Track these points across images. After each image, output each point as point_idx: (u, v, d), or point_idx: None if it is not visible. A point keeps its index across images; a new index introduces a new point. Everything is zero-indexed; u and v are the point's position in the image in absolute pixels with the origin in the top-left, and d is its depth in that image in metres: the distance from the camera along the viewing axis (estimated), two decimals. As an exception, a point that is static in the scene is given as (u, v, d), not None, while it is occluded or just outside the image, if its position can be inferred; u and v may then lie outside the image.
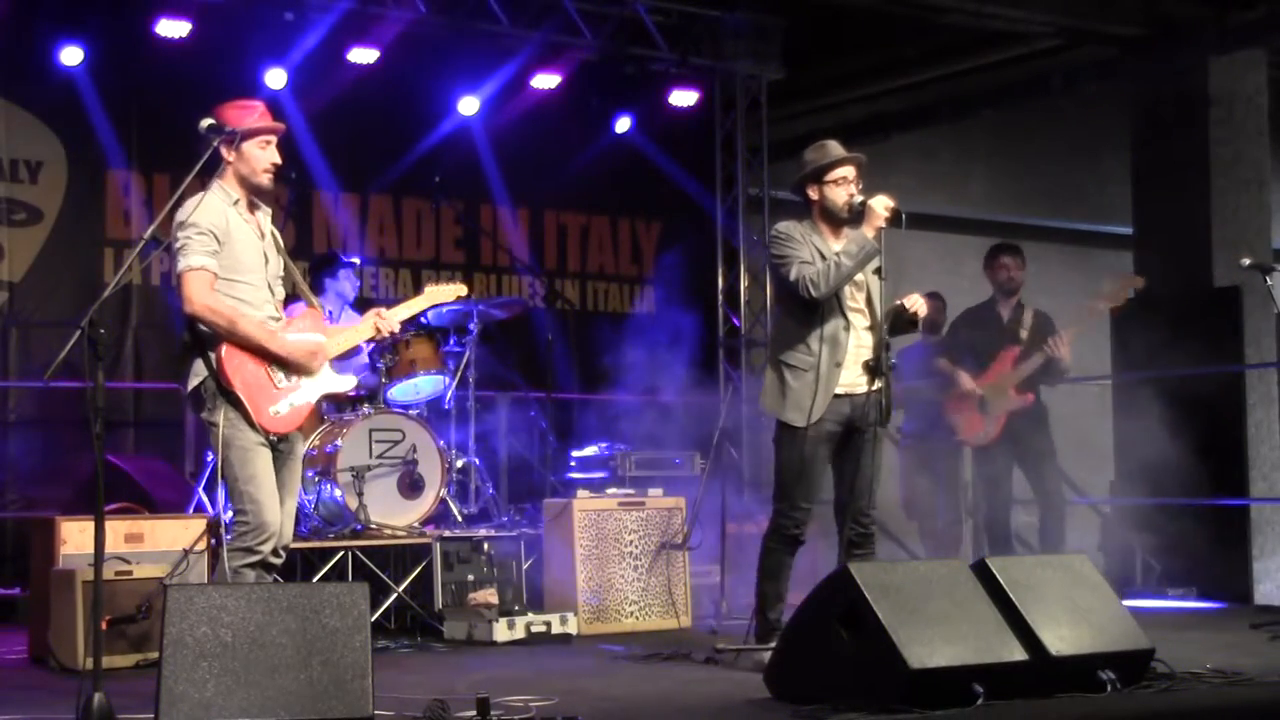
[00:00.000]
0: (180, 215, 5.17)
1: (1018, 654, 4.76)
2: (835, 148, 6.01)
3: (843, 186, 5.93)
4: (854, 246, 5.79)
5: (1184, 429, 8.74)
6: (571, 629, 7.11)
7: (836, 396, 5.86)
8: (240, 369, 5.17)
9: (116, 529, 6.51)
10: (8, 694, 5.57)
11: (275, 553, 5.20)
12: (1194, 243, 10.15)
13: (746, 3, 10.49)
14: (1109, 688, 4.81)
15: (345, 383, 5.56)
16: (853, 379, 5.90)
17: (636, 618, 7.43)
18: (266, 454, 5.20)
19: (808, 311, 5.88)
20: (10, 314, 8.77)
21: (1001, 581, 4.98)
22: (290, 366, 5.28)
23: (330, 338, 5.50)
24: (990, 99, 12.82)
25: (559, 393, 9.37)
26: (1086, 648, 4.90)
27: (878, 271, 5.86)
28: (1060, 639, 4.86)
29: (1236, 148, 10.54)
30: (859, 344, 5.92)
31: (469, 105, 9.92)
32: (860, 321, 5.95)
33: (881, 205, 5.78)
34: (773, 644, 5.45)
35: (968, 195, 15.04)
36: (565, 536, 7.42)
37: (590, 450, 8.58)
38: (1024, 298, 8.17)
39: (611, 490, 7.81)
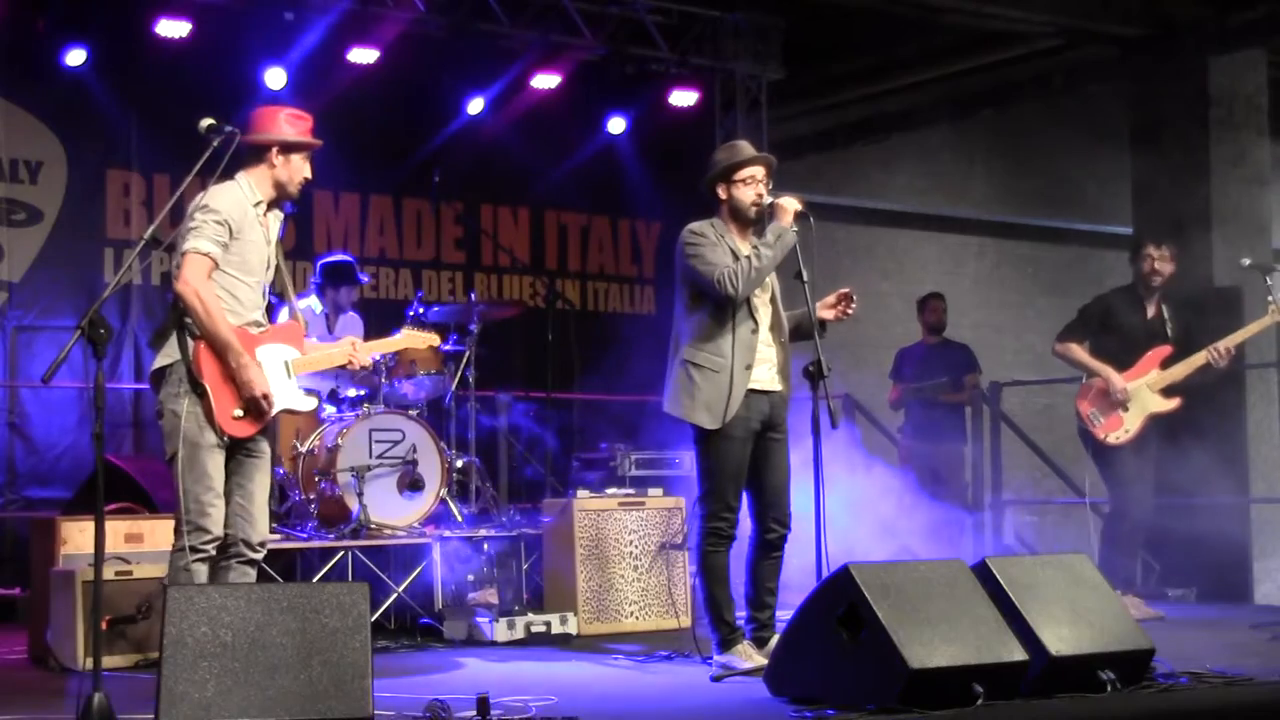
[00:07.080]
0: (203, 198, 5.11)
1: (1018, 654, 4.75)
2: (746, 147, 6.00)
3: (751, 186, 5.86)
4: (771, 237, 5.73)
5: (1184, 429, 8.72)
6: (571, 629, 7.11)
7: (757, 393, 5.80)
8: (214, 364, 5.13)
9: (116, 529, 6.52)
10: (8, 694, 5.57)
11: (252, 547, 5.22)
12: (1194, 243, 10.14)
13: (746, 3, 10.48)
14: (1109, 688, 4.82)
15: (307, 403, 5.54)
16: (768, 377, 5.86)
17: (636, 618, 7.42)
18: (220, 456, 5.15)
19: (721, 312, 5.79)
20: (10, 314, 8.77)
21: (1001, 581, 4.98)
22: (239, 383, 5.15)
23: (305, 354, 5.49)
24: (990, 99, 12.82)
25: (559, 393, 9.36)
26: (1086, 648, 4.90)
27: (798, 276, 5.75)
28: (1060, 639, 4.86)
29: (1236, 148, 10.54)
30: (766, 344, 5.86)
31: (471, 105, 9.92)
32: (765, 322, 5.88)
33: (790, 204, 5.75)
34: (763, 661, 5.41)
35: (968, 195, 15.05)
36: (565, 536, 7.41)
37: (590, 450, 8.57)
38: (1166, 294, 7.80)
39: (611, 490, 7.80)
